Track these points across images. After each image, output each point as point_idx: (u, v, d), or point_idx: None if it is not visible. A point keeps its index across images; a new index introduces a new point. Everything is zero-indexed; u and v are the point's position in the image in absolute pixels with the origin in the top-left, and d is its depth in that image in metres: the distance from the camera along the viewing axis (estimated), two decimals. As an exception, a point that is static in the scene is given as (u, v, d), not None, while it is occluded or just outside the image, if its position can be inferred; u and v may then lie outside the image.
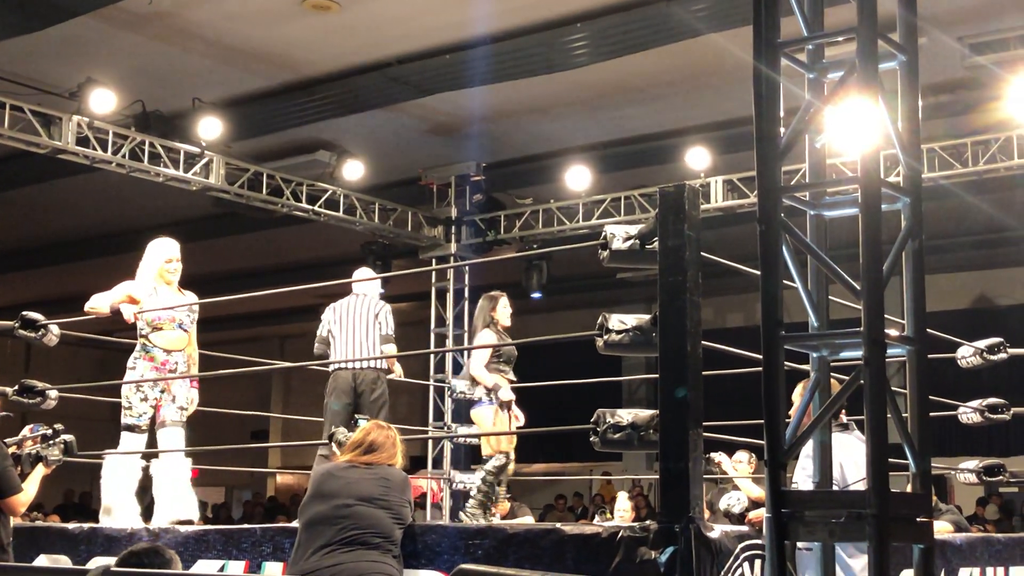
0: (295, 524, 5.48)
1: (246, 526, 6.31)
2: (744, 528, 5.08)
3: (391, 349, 8.61)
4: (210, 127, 12.79)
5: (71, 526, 7.18)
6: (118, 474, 7.33)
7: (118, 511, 7.25)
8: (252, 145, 13.92)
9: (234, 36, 11.61)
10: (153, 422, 7.39)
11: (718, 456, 8.93)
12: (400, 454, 5.54)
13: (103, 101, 12.04)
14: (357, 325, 8.56)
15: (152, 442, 7.44)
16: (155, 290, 7.55)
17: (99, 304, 7.56)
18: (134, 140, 12.65)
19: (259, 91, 12.95)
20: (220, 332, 22.06)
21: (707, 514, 9.10)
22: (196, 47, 11.80)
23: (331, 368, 8.60)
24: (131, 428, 7.33)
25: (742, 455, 9.27)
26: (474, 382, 8.19)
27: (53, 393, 7.60)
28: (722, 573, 4.57)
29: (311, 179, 14.47)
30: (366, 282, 8.99)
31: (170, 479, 7.31)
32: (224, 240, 17.24)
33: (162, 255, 7.72)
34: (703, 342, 4.68)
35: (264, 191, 14.05)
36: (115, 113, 12.39)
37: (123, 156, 12.58)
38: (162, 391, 7.40)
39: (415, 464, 17.39)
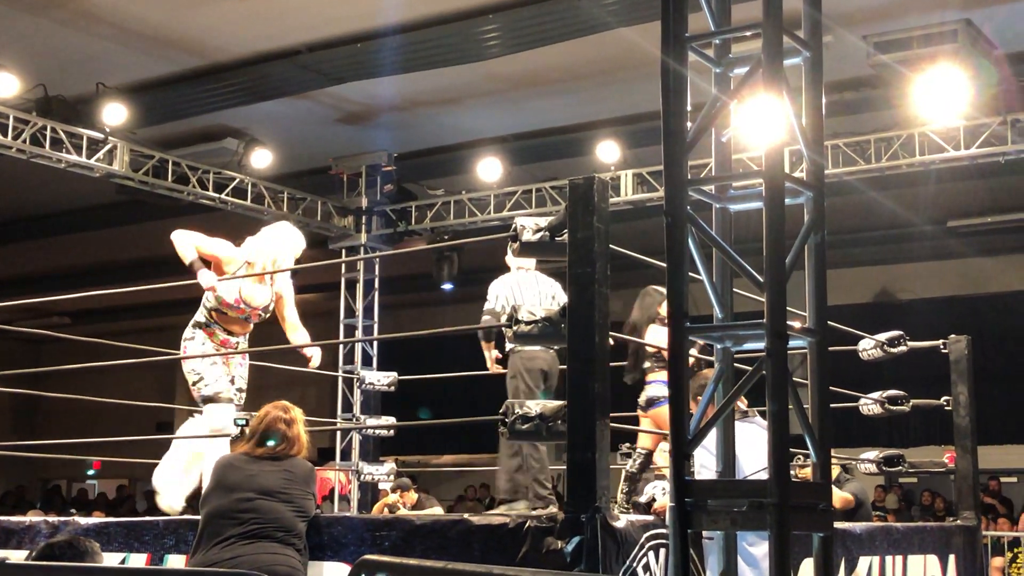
0: (198, 516, 5.40)
1: (148, 518, 6.21)
2: (650, 518, 5.13)
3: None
4: (114, 113, 12.56)
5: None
6: (181, 452, 6.82)
7: (172, 491, 6.77)
8: (158, 132, 13.70)
9: (140, 20, 11.40)
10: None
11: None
12: (305, 438, 5.44)
13: (4, 85, 11.77)
14: (543, 304, 7.47)
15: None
16: (245, 267, 6.81)
17: (186, 245, 6.77)
18: (35, 125, 12.37)
19: (165, 77, 12.74)
20: (125, 321, 21.71)
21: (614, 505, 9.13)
22: (101, 31, 11.56)
23: (520, 349, 7.42)
24: (213, 398, 6.73)
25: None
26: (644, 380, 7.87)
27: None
28: (627, 562, 4.61)
29: (218, 167, 14.28)
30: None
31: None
32: (129, 228, 16.95)
33: (296, 250, 6.97)
34: (611, 334, 4.71)
35: (170, 178, 13.83)
36: (16, 97, 12.10)
37: (24, 141, 12.29)
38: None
39: (323, 456, 17.30)
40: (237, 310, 6.84)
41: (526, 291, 7.75)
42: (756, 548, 5.00)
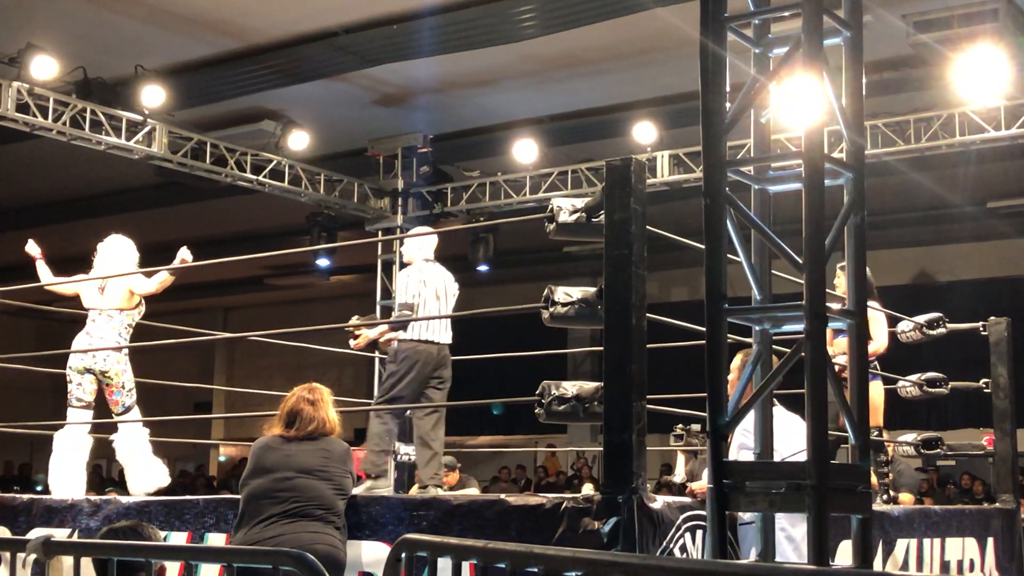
0: (238, 496, 5.44)
1: (189, 497, 6.27)
2: (686, 499, 5.12)
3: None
4: (153, 95, 12.62)
5: (10, 496, 7.09)
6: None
7: (64, 484, 7.28)
8: (196, 114, 13.77)
9: (178, 2, 11.45)
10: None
11: (697, 425, 8.69)
12: (335, 417, 5.47)
13: (44, 67, 11.84)
14: (448, 296, 7.65)
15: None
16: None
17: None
18: (75, 107, 12.46)
19: (203, 59, 12.79)
20: (162, 303, 21.84)
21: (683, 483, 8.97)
22: (139, 13, 11.62)
23: (414, 338, 7.41)
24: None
25: None
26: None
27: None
28: (664, 543, 4.62)
29: (255, 149, 14.34)
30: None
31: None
32: (167, 209, 17.06)
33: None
34: (648, 315, 4.70)
35: (208, 160, 13.90)
36: (56, 80, 12.18)
37: (64, 123, 12.38)
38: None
39: (360, 436, 17.37)
40: None
41: (439, 286, 7.58)
42: (796, 529, 4.99)
